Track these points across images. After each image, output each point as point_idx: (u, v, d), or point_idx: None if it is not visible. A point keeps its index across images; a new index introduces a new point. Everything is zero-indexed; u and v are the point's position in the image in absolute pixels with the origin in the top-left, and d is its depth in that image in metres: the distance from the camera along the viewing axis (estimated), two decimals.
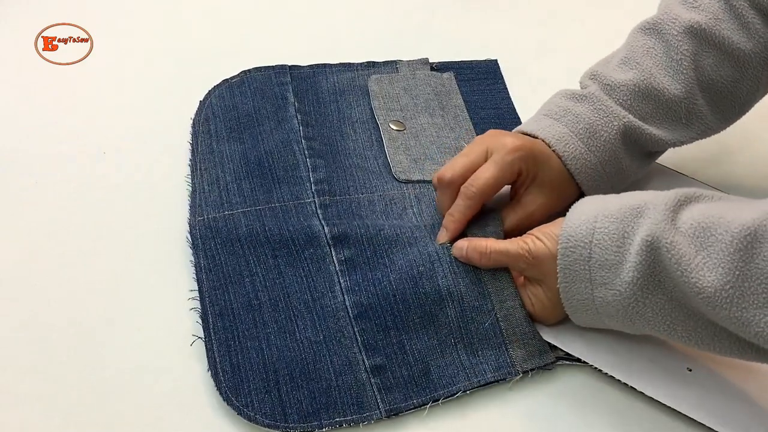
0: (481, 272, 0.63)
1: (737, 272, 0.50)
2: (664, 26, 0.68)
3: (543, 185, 0.67)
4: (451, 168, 0.66)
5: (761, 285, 0.50)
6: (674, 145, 0.69)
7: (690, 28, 0.67)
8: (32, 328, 0.62)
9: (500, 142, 0.65)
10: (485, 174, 0.64)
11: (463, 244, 0.64)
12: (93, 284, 0.65)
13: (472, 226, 0.67)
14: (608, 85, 0.68)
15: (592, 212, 0.58)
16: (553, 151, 0.66)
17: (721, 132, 0.71)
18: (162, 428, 0.57)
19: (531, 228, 0.63)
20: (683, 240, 0.53)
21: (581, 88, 0.71)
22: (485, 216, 0.67)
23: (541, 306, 0.62)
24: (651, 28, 0.69)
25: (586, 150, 0.66)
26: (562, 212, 0.61)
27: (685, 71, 0.67)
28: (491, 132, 0.68)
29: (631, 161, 0.69)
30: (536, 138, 0.67)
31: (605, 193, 0.63)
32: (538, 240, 0.60)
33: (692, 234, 0.53)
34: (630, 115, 0.67)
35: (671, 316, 0.55)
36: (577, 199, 0.62)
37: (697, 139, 0.70)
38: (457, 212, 0.66)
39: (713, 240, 0.52)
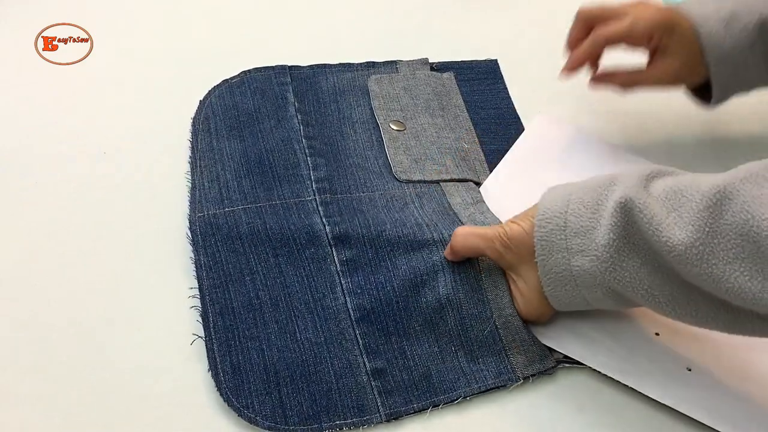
0: (481, 280, 0.63)
1: (707, 229, 0.51)
2: None
3: (674, 54, 0.71)
4: (590, 9, 0.73)
5: (730, 241, 0.50)
6: None
7: None
8: (32, 328, 0.62)
9: (644, 9, 0.71)
10: (616, 27, 0.71)
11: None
12: (93, 284, 0.65)
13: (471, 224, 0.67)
14: None
15: (566, 189, 0.60)
16: (694, 26, 0.69)
17: (722, 131, 0.72)
18: (162, 428, 0.57)
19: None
20: (655, 203, 0.54)
21: None
22: (488, 225, 0.68)
23: (523, 300, 0.62)
24: None
25: (724, 33, 0.69)
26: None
27: None
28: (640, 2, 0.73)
29: (760, 59, 0.70)
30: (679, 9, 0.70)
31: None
32: (513, 223, 0.61)
33: (664, 197, 0.54)
34: None
35: (648, 281, 0.55)
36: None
37: None
38: (582, 50, 0.72)
39: (684, 201, 0.53)
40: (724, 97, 0.73)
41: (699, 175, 0.55)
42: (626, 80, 0.74)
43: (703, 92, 0.74)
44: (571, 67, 0.73)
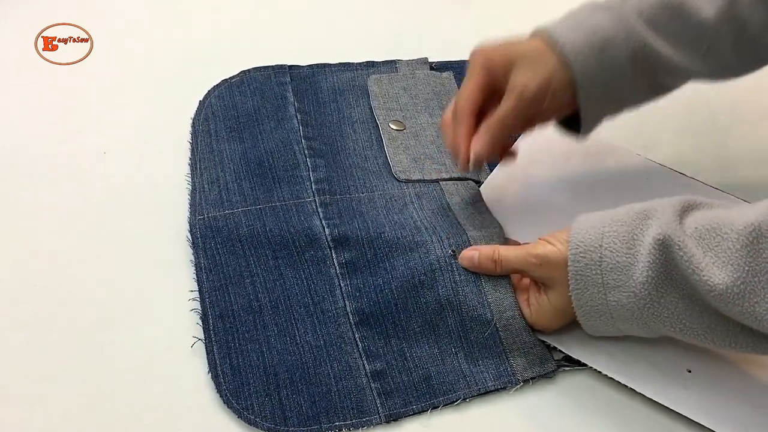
0: (481, 282, 0.63)
1: (746, 268, 0.51)
2: None
3: (521, 66, 0.64)
4: (469, 104, 0.65)
5: None
6: (686, 75, 0.67)
7: None
8: (32, 328, 0.62)
9: (520, 67, 0.64)
10: (504, 111, 0.64)
11: (473, 254, 0.64)
12: (93, 284, 0.65)
13: (475, 233, 0.67)
14: None
15: (599, 219, 0.59)
16: (562, 56, 0.63)
17: (722, 131, 0.71)
18: (162, 430, 0.57)
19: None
20: (690, 241, 0.54)
21: None
22: (486, 225, 0.68)
23: (539, 312, 0.61)
24: None
25: (597, 65, 0.64)
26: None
27: (720, 1, 0.64)
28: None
29: (637, 85, 0.66)
30: (546, 36, 0.64)
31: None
32: (548, 244, 0.60)
33: (698, 236, 0.54)
34: (650, 33, 0.64)
35: (686, 314, 0.55)
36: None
37: (711, 78, 0.69)
38: (483, 146, 0.64)
39: (719, 240, 0.53)
40: (593, 127, 0.69)
41: (729, 209, 0.55)
42: (499, 122, 0.64)
43: (569, 122, 0.69)
44: (464, 158, 0.65)
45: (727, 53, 0.67)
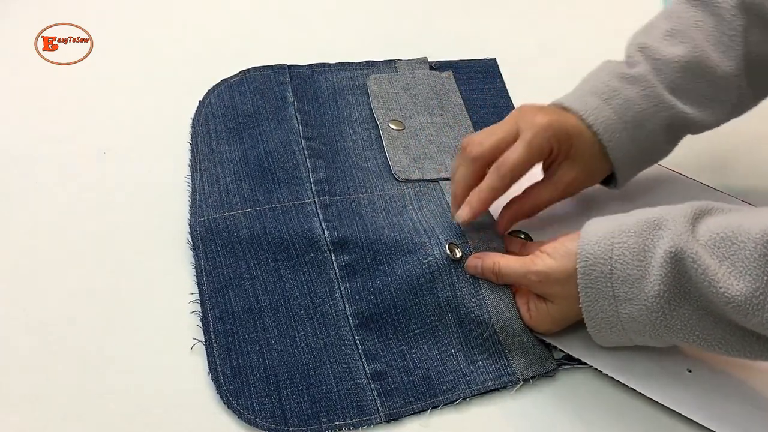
0: (479, 284, 0.64)
1: (765, 277, 0.50)
2: None
3: (575, 161, 0.65)
4: (480, 145, 0.64)
5: None
6: (713, 126, 0.69)
7: (743, 2, 0.65)
8: (32, 329, 0.62)
9: (531, 120, 0.63)
10: (514, 155, 0.62)
11: (477, 263, 0.64)
12: (93, 285, 0.65)
13: (474, 235, 0.67)
14: (658, 60, 0.66)
15: (607, 229, 0.57)
16: (596, 134, 0.65)
17: (722, 132, 0.71)
18: (162, 431, 0.57)
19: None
20: (704, 252, 0.53)
21: (627, 59, 0.68)
22: (485, 227, 0.68)
23: (539, 317, 0.61)
24: (699, 0, 0.67)
25: (629, 141, 0.65)
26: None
27: (737, 48, 0.65)
28: (524, 107, 0.66)
29: (667, 146, 0.69)
30: (579, 116, 0.65)
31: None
32: (548, 258, 0.59)
33: (712, 245, 0.53)
34: (679, 103, 0.65)
35: (700, 326, 0.54)
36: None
37: (732, 118, 0.70)
38: (486, 190, 0.63)
39: (735, 249, 0.52)
40: (627, 181, 0.70)
41: (743, 213, 0.54)
42: (533, 207, 0.67)
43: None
44: (475, 214, 0.64)
45: (748, 92, 0.68)
